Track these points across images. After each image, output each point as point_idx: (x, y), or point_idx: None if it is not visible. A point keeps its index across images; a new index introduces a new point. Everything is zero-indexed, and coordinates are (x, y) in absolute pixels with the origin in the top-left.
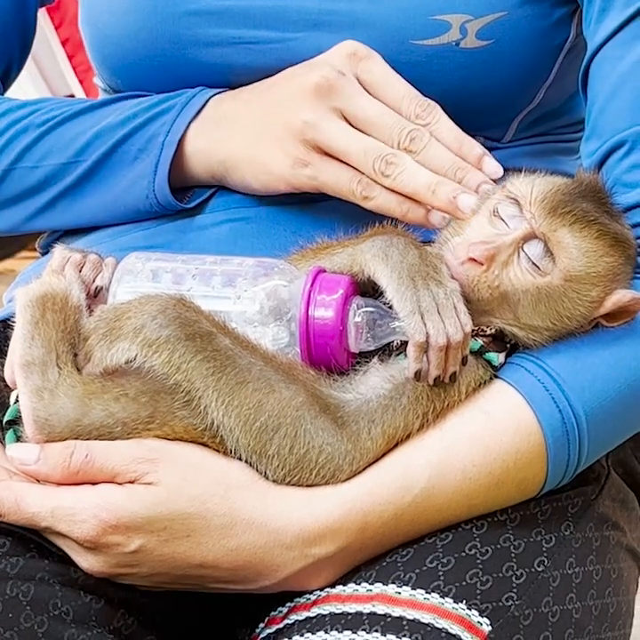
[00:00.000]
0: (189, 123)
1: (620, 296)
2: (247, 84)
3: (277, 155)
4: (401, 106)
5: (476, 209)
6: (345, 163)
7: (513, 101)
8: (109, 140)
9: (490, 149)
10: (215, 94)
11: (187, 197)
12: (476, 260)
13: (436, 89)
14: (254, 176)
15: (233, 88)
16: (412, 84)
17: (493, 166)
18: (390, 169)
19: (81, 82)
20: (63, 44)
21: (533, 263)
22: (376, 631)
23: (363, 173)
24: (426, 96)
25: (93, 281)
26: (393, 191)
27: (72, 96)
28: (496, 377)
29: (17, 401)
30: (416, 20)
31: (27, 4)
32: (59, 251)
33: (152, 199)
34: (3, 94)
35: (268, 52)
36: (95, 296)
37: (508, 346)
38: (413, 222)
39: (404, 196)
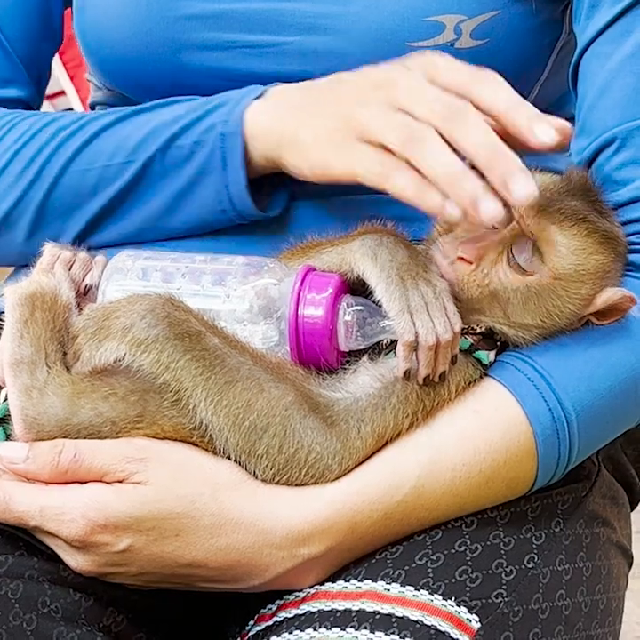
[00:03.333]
0: (246, 108)
1: (611, 294)
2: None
3: (331, 147)
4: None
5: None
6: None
7: None
8: (163, 136)
9: None
10: (273, 86)
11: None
12: (465, 259)
13: None
14: (309, 167)
15: None
16: None
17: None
18: (417, 149)
19: (71, 78)
20: None
21: (523, 262)
22: (365, 628)
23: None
24: None
25: (83, 279)
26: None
27: (62, 93)
28: (486, 375)
29: (6, 399)
30: (411, 21)
31: (52, 10)
32: (48, 248)
33: (226, 203)
34: (40, 103)
35: (263, 55)
36: (85, 294)
37: (498, 344)
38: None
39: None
